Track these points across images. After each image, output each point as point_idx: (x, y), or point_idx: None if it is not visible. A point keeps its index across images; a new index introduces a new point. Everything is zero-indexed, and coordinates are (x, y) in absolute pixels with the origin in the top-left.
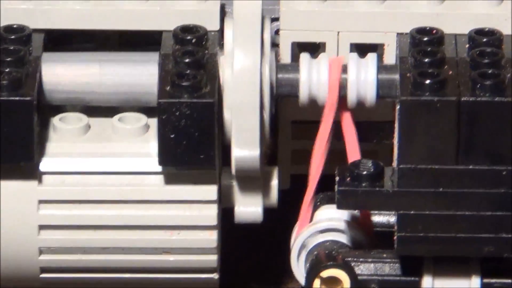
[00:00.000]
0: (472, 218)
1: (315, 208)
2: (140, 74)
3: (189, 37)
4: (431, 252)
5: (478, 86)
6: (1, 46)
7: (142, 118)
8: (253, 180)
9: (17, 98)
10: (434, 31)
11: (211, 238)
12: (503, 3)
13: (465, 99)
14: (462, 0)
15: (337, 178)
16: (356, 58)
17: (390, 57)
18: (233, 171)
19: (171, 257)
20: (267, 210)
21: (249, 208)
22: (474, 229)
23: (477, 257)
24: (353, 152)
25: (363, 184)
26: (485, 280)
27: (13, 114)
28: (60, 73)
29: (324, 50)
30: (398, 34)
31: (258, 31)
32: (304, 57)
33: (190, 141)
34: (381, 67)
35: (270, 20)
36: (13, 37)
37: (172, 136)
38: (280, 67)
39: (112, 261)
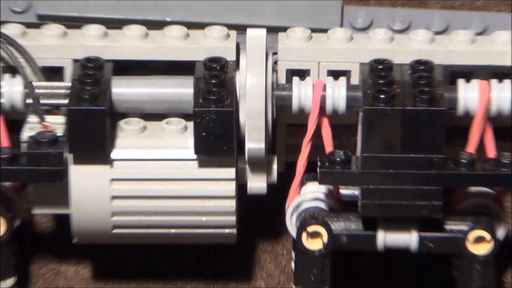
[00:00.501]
0: (412, 191)
1: (302, 184)
2: (181, 91)
3: (214, 65)
4: (384, 214)
5: (417, 99)
6: (83, 71)
7: (182, 122)
8: (259, 165)
9: (95, 108)
10: (386, 61)
11: (231, 205)
12: (434, 43)
13: (407, 108)
14: (405, 40)
15: (318, 163)
16: (331, 80)
17: (355, 80)
18: (246, 158)
19: (204, 218)
20: (269, 186)
21: (257, 184)
22: (414, 199)
23: (415, 218)
24: (328, 145)
25: (337, 167)
26: (421, 234)
27: (92, 118)
28: (124, 91)
29: (309, 75)
30: (360, 63)
31: (263, 61)
32: (295, 80)
33: (216, 137)
34: (349, 87)
35: (272, 54)
36: (91, 65)
37: (203, 134)
38: (278, 86)
39: (162, 221)
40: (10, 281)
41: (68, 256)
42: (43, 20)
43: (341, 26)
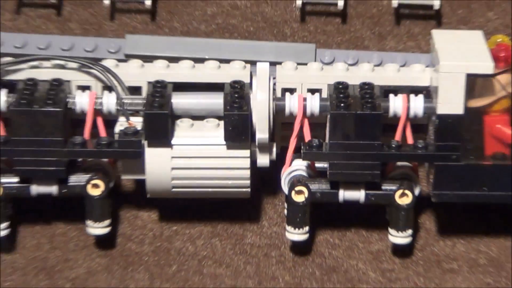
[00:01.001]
0: (361, 164)
1: (292, 160)
2: (216, 102)
3: (236, 85)
4: (343, 179)
5: (364, 107)
6: (154, 89)
7: (216, 121)
8: (264, 148)
9: (161, 112)
10: (343, 83)
11: (247, 173)
12: (373, 72)
13: (358, 112)
14: (355, 70)
15: (302, 147)
16: (309, 95)
17: (324, 95)
18: (256, 143)
19: (229, 181)
20: (270, 161)
21: (263, 160)
22: (362, 169)
23: (363, 182)
24: (308, 136)
25: (314, 150)
26: (367, 192)
27: (159, 118)
28: (179, 101)
29: (295, 91)
30: (328, 84)
31: (267, 83)
32: (287, 94)
33: (238, 130)
34: (321, 99)
35: (272, 78)
36: (159, 85)
37: (230, 128)
38: (276, 98)
39: (202, 183)
40: (108, 221)
41: (144, 205)
42: (128, 57)
43: (315, 61)
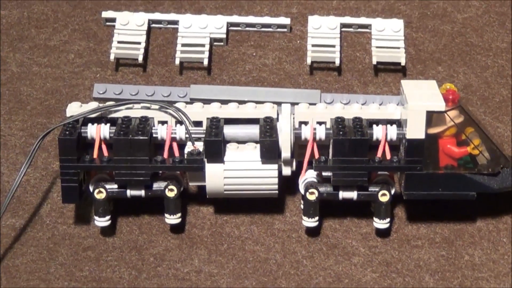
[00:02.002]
0: (355, 173)
1: (306, 171)
2: (253, 131)
3: (268, 120)
4: (342, 184)
5: (356, 134)
6: (211, 123)
7: (254, 144)
8: (287, 162)
9: (216, 139)
10: (341, 118)
11: (275, 180)
12: (361, 109)
13: (352, 138)
14: (349, 108)
15: (313, 162)
16: (318, 126)
17: (328, 126)
18: (282, 160)
19: (263, 186)
20: (292, 171)
21: (286, 171)
22: (355, 177)
23: (356, 185)
24: (317, 154)
25: (321, 164)
26: (358, 192)
27: (215, 143)
28: (229, 131)
29: (308, 124)
30: (330, 118)
31: (289, 118)
32: (303, 126)
33: (269, 151)
34: (326, 129)
35: (292, 114)
36: (215, 120)
37: (264, 149)
38: (295, 129)
39: (244, 187)
40: (179, 214)
41: (204, 202)
42: (192, 100)
43: (320, 102)
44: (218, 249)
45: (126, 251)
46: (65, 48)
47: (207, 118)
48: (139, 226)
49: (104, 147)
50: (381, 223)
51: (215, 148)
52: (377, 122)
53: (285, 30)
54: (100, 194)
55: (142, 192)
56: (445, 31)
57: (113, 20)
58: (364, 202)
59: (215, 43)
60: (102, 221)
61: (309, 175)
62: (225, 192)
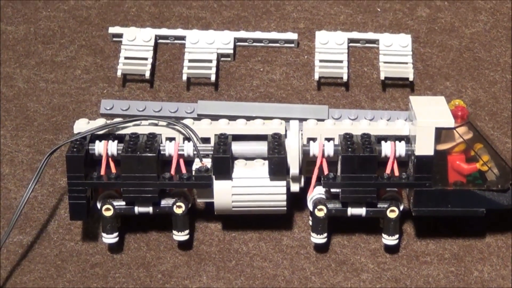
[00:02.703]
0: (364, 190)
1: (314, 187)
2: (262, 148)
3: (276, 136)
4: (351, 200)
5: (364, 150)
6: (219, 139)
7: (262, 161)
8: (296, 179)
9: (224, 156)
10: (349, 134)
11: (283, 197)
12: (370, 125)
13: (361, 154)
14: (357, 124)
15: (322, 179)
16: (327, 143)
17: (336, 142)
18: (290, 176)
19: (272, 202)
20: (300, 188)
21: (294, 187)
22: (364, 193)
23: (365, 202)
24: (326, 170)
25: (330, 180)
26: (367, 209)
27: (223, 160)
28: (237, 148)
29: (316, 140)
30: (339, 135)
31: (297, 135)
32: (311, 142)
33: (277, 168)
34: (334, 145)
35: (300, 130)
36: (223, 136)
37: (272, 166)
38: (303, 145)
39: (253, 204)
40: (187, 231)
41: (212, 218)
42: (199, 116)
43: (328, 117)
44: (226, 265)
45: (134, 268)
46: (72, 64)
47: (215, 135)
48: (147, 242)
49: (111, 164)
50: (390, 239)
51: (223, 164)
52: (386, 138)
53: (293, 45)
54: (107, 211)
55: (150, 209)
56: (453, 46)
57: (120, 35)
58: (372, 219)
59: (222, 59)
60: (109, 238)
61: (317, 192)
62: (233, 208)
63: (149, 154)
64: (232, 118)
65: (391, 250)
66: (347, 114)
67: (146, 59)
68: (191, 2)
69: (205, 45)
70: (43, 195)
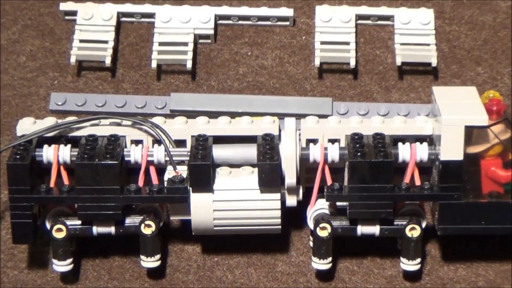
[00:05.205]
0: (376, 204)
1: (316, 199)
2: (249, 152)
3: (267, 138)
4: (361, 216)
5: (377, 155)
6: (197, 142)
7: (251, 168)
8: (292, 190)
9: (203, 163)
10: (358, 134)
11: (277, 213)
12: (384, 123)
13: (372, 160)
14: (367, 122)
15: (325, 190)
16: (330, 145)
17: (342, 144)
18: (285, 187)
19: (263, 220)
20: (298, 201)
21: (291, 200)
22: (377, 208)
23: (378, 218)
24: (329, 180)
25: (335, 192)
26: (381, 227)
27: (202, 168)
28: (219, 153)
29: (318, 142)
30: (346, 135)
31: (294, 135)
32: (311, 145)
33: (269, 177)
34: (340, 148)
35: (298, 130)
36: (201, 138)
37: (263, 175)
38: (302, 148)
39: (240, 222)
40: (158, 256)
41: (189, 240)
42: (173, 112)
43: (332, 113)
44: None
45: None
46: (14, 48)
47: (192, 136)
48: (108, 270)
49: (64, 173)
50: (410, 264)
51: (202, 173)
52: (403, 139)
53: (288, 23)
54: (59, 233)
55: (112, 229)
56: (485, 23)
57: (73, 13)
58: (388, 239)
59: (200, 41)
60: (62, 265)
61: (319, 206)
62: (215, 228)
63: (110, 162)
64: (213, 115)
65: (412, 277)
66: (356, 109)
67: (106, 42)
68: None
69: (179, 24)
70: None
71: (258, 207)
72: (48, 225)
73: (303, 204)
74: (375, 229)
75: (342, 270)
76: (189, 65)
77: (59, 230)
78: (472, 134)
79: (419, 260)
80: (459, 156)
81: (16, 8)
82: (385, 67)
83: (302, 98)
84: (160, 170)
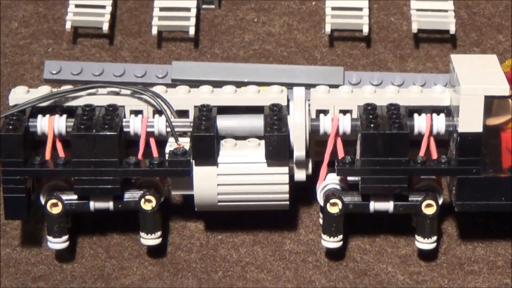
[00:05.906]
0: (390, 178)
1: (326, 174)
2: (256, 123)
3: (275, 108)
4: (374, 192)
5: (391, 126)
6: (200, 113)
7: (257, 140)
8: (301, 164)
9: (207, 134)
10: (372, 104)
11: (286, 188)
12: (398, 93)
13: (386, 132)
14: (381, 92)
15: (336, 164)
16: (342, 116)
17: (355, 115)
18: (294, 160)
19: (270, 195)
20: (307, 176)
21: (300, 175)
22: (391, 183)
23: (392, 194)
24: (341, 153)
25: (346, 166)
26: (395, 203)
27: (206, 140)
28: (224, 123)
29: (328, 113)
30: (358, 105)
31: (303, 105)
32: (321, 115)
33: (277, 150)
34: (352, 119)
35: (307, 100)
36: (204, 109)
37: (270, 148)
38: (311, 119)
39: (246, 197)
40: (159, 233)
41: (191, 216)
42: (174, 81)
43: (343, 83)
44: (210, 277)
45: (90, 282)
46: (6, 14)
47: (195, 106)
48: (106, 248)
49: (59, 145)
50: (425, 243)
51: (206, 145)
52: (419, 110)
53: None
54: (54, 208)
55: (110, 205)
56: None
57: None
58: (402, 216)
59: (204, 6)
60: (57, 243)
61: (330, 181)
62: (219, 203)
63: (108, 133)
64: (218, 84)
65: (427, 256)
66: (369, 78)
67: (103, 7)
68: None
69: None
70: None
71: (264, 182)
72: (42, 200)
73: (313, 179)
74: (388, 205)
75: (354, 248)
76: (191, 31)
77: (54, 205)
78: (492, 104)
79: (435, 238)
80: (479, 128)
81: None
82: (400, 35)
83: (312, 67)
84: (161, 142)
